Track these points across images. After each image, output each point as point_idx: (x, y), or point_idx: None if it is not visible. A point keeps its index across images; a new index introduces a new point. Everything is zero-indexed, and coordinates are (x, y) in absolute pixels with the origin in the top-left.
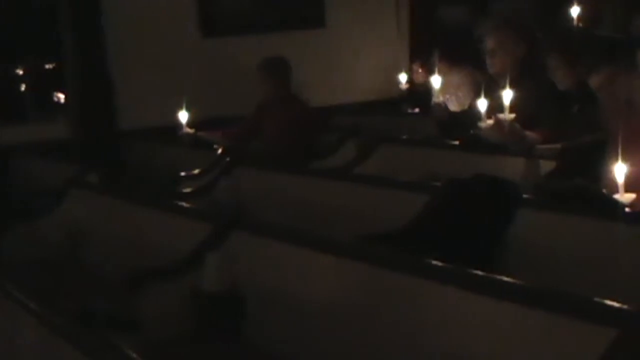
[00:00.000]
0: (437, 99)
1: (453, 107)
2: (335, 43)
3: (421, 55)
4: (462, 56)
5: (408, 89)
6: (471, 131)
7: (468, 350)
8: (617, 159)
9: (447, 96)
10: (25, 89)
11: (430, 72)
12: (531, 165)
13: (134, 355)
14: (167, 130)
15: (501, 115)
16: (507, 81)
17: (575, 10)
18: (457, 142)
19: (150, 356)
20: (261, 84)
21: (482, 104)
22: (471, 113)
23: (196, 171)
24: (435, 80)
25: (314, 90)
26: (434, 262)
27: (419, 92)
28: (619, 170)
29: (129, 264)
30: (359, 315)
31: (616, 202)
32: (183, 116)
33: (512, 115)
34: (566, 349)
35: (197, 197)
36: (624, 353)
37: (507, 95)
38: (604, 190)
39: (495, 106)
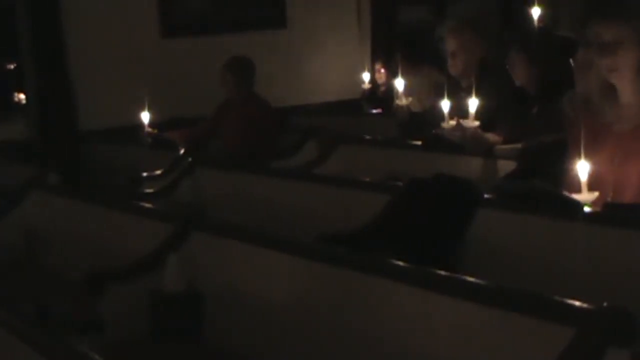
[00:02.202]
0: (400, 101)
1: (414, 107)
2: (296, 43)
3: (383, 55)
4: (423, 57)
5: (370, 89)
6: (433, 131)
7: (428, 349)
8: (579, 158)
9: (410, 98)
10: None
11: (392, 72)
12: (491, 165)
13: (95, 356)
14: (128, 131)
15: (465, 122)
16: (471, 84)
17: (536, 11)
18: (418, 142)
19: (109, 357)
20: (224, 82)
21: (444, 105)
22: (432, 113)
23: (158, 172)
24: (399, 83)
25: (275, 90)
26: (395, 262)
27: (381, 92)
28: (582, 169)
29: (88, 265)
30: (320, 316)
31: (574, 202)
32: (145, 116)
33: (477, 123)
34: (525, 347)
35: (159, 197)
36: (582, 351)
37: (473, 103)
38: (564, 191)
39: (457, 107)
